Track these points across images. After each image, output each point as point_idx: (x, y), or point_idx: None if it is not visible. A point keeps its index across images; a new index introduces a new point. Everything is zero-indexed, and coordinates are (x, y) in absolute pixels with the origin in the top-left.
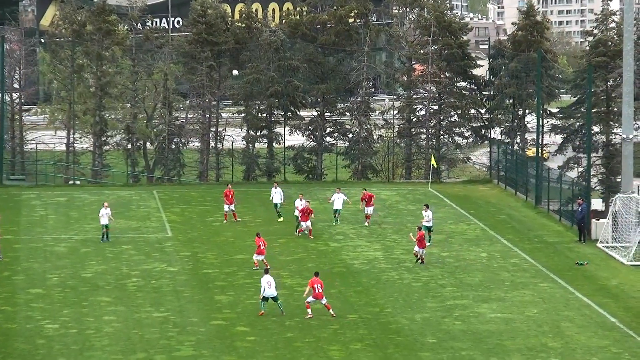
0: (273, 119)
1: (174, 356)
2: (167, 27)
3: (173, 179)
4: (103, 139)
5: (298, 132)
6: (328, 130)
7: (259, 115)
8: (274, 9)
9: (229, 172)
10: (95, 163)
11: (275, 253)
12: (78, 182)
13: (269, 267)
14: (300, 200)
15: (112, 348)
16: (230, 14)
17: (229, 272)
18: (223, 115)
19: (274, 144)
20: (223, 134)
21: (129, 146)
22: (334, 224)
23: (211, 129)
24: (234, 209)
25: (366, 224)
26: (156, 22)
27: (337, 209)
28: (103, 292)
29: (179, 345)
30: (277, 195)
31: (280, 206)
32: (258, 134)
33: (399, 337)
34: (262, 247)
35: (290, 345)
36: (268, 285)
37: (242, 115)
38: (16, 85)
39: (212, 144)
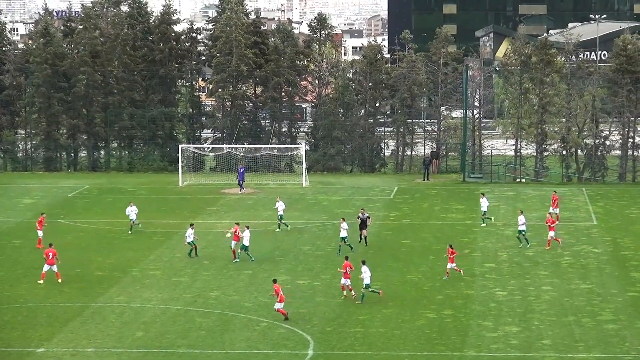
0: None
1: (597, 320)
2: (595, 58)
3: (598, 179)
4: (543, 146)
5: None
6: None
7: None
8: None
9: None
10: (537, 165)
11: None
12: (523, 180)
13: None
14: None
15: (548, 312)
16: None
17: None
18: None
19: None
20: None
21: (564, 152)
22: None
23: (628, 140)
24: None
25: None
26: (586, 54)
27: None
28: (542, 267)
29: (601, 311)
30: None
31: None
32: None
33: None
34: None
35: None
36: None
37: None
38: (476, 104)
39: (630, 152)
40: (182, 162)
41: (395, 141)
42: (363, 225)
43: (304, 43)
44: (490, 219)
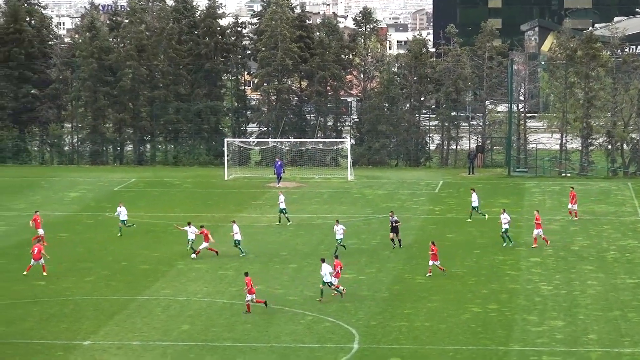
0: None
1: None
2: None
3: None
4: (589, 140)
5: None
6: None
7: None
8: None
9: None
10: (582, 159)
11: None
12: (569, 175)
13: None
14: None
15: (593, 306)
16: None
17: None
18: None
19: None
20: None
21: (609, 147)
22: None
23: None
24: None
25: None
26: (632, 48)
27: None
28: (587, 262)
29: None
30: None
31: None
32: None
33: None
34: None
35: None
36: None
37: None
38: (521, 98)
39: None
40: (227, 156)
41: (440, 135)
42: (394, 229)
43: (349, 37)
44: (484, 215)
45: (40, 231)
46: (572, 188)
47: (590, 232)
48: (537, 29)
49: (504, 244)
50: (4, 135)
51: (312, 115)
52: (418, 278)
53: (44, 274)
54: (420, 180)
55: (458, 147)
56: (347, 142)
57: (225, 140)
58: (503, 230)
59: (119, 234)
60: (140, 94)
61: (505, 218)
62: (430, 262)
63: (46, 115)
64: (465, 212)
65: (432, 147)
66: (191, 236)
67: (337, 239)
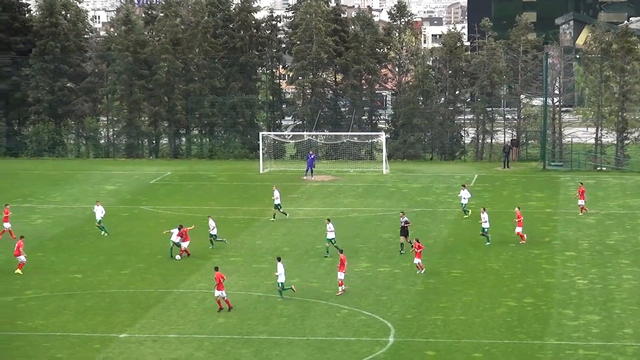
0: None
1: None
2: None
3: None
4: (624, 134)
5: None
6: None
7: None
8: None
9: None
10: (617, 153)
11: None
12: (604, 169)
13: None
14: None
15: (629, 300)
16: None
17: None
18: None
19: None
20: None
21: None
22: None
23: None
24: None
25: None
26: None
27: None
28: (623, 255)
29: None
30: None
31: None
32: None
33: None
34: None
35: None
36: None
37: None
38: (556, 92)
39: None
40: (262, 149)
41: (475, 129)
42: (403, 231)
43: (384, 31)
44: (468, 212)
45: (7, 225)
46: (581, 184)
47: (626, 226)
48: (572, 22)
49: (487, 243)
50: (40, 129)
51: (347, 109)
52: (453, 272)
53: (18, 271)
54: (455, 174)
55: (493, 140)
56: (382, 136)
57: (261, 133)
58: (482, 229)
59: (105, 233)
60: (176, 87)
61: (484, 217)
62: (415, 260)
63: (82, 109)
64: (499, 206)
65: (467, 140)
66: (175, 238)
67: (327, 239)
